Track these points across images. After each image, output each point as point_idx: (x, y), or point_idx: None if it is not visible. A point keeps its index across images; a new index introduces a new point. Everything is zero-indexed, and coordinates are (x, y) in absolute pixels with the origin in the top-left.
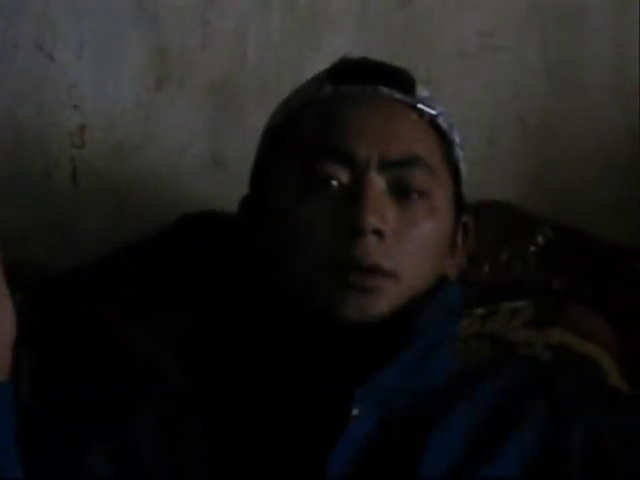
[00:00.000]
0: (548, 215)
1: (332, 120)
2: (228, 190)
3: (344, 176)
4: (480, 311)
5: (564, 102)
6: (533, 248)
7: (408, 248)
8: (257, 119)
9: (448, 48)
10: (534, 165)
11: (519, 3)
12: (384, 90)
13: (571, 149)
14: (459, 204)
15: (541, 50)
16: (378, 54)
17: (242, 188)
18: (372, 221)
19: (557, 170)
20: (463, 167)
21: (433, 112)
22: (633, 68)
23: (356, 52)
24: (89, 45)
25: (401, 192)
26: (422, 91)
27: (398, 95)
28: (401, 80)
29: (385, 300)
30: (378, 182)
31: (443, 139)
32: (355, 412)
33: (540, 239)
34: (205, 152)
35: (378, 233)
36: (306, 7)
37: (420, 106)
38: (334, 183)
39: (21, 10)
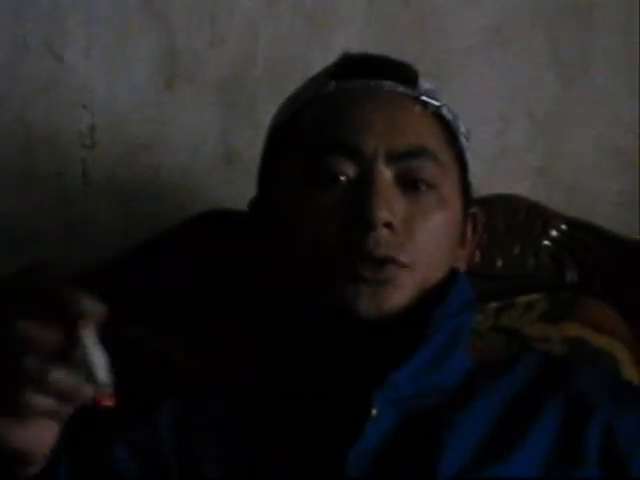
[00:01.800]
0: (558, 208)
1: (337, 115)
2: (241, 187)
3: (351, 170)
4: (494, 305)
5: (572, 95)
6: (546, 242)
7: (420, 239)
8: (268, 115)
9: (455, 43)
10: (543, 158)
11: None
12: (387, 84)
13: (580, 142)
14: (466, 194)
15: (548, 43)
16: (386, 50)
17: (254, 184)
18: (382, 215)
19: (566, 163)
20: (469, 156)
21: (437, 103)
22: None
23: (364, 48)
24: (98, 45)
25: (409, 184)
26: (425, 83)
27: (401, 88)
28: (404, 73)
29: (400, 291)
30: (386, 175)
31: (448, 129)
32: (374, 412)
33: (553, 233)
34: (217, 150)
35: (389, 226)
36: (314, 3)
37: (424, 98)
38: (342, 178)
39: (29, 11)
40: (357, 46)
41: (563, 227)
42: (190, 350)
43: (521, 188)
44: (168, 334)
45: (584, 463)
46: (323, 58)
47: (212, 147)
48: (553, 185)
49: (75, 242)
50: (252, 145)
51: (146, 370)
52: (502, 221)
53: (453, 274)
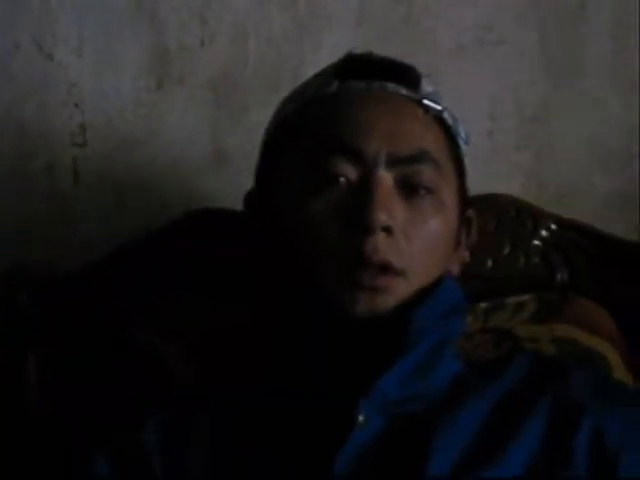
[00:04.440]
0: (548, 208)
1: (339, 116)
2: (231, 186)
3: (352, 173)
4: (484, 306)
5: (562, 95)
6: (536, 242)
7: (416, 245)
8: (258, 115)
9: (447, 42)
10: (533, 158)
11: None
12: (391, 86)
13: (570, 142)
14: (463, 198)
15: (540, 43)
16: (377, 49)
17: (245, 184)
18: (382, 218)
19: (556, 163)
20: (467, 161)
21: (438, 107)
22: (631, 61)
23: (355, 48)
24: (89, 44)
25: (409, 188)
26: (427, 86)
27: (404, 91)
28: (407, 76)
29: (395, 297)
30: (387, 179)
31: (448, 134)
32: (361, 419)
33: (543, 233)
34: (207, 149)
35: (387, 230)
36: (305, 3)
37: (426, 102)
38: (342, 180)
39: (20, 10)
40: (348, 46)
41: (553, 227)
42: (183, 348)
43: (511, 188)
44: (161, 332)
45: (571, 465)
46: (314, 58)
47: (202, 146)
48: (543, 185)
49: (66, 241)
50: (242, 145)
51: (140, 368)
52: (492, 221)
53: (441, 277)
